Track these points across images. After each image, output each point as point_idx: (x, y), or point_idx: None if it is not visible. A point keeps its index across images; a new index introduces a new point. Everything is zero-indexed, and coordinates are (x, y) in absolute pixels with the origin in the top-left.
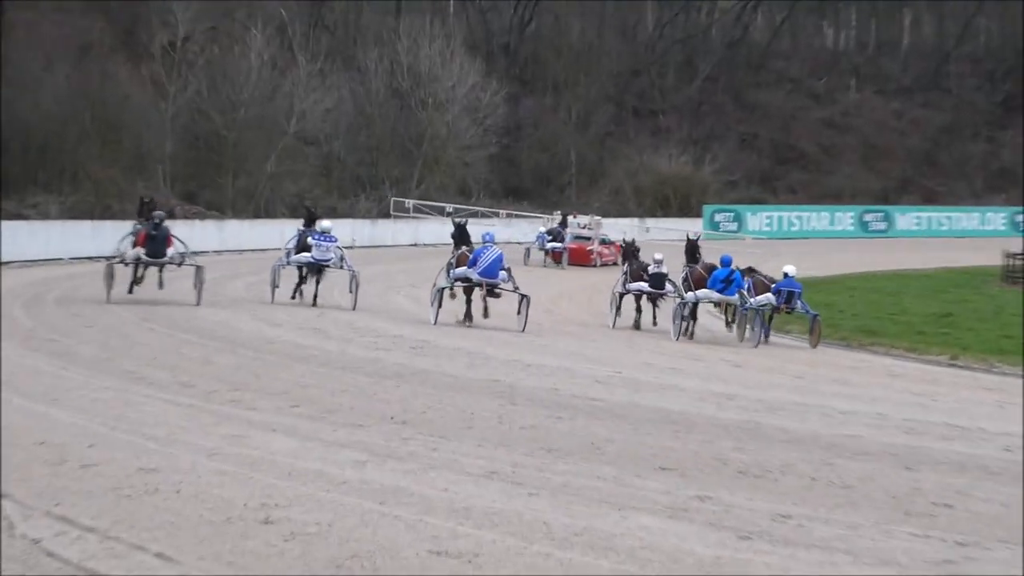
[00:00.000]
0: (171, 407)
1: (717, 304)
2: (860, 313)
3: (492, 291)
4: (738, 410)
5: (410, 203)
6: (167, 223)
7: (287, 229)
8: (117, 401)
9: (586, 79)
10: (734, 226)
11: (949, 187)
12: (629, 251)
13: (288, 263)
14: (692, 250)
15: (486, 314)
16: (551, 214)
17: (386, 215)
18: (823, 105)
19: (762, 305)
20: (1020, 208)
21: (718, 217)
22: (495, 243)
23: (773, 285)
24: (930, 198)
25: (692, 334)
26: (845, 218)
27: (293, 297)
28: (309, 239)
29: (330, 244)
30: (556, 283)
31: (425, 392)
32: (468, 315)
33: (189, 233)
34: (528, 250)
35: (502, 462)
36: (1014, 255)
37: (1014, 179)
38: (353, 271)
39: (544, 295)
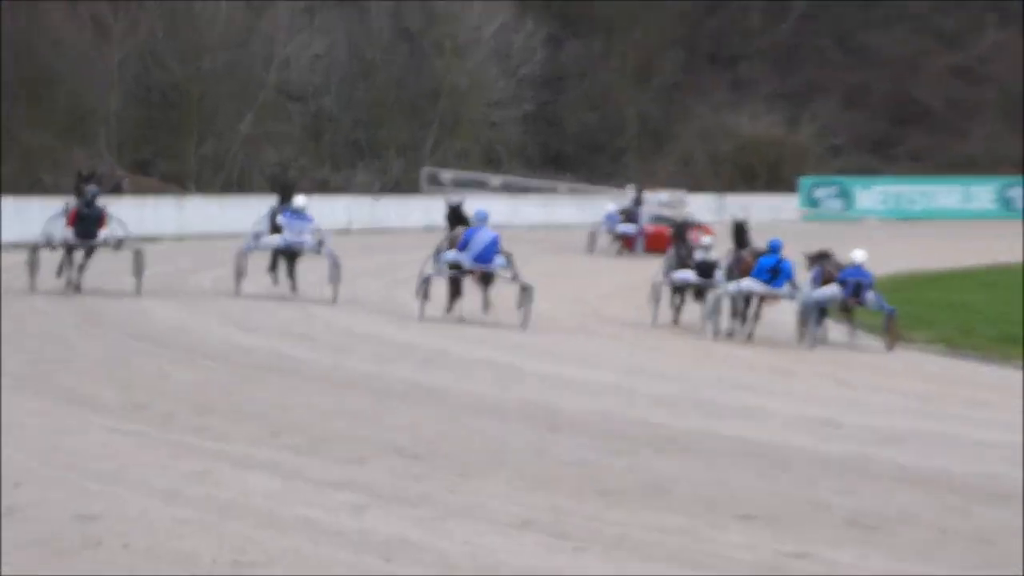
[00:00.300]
0: (117, 436)
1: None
2: (1001, 316)
3: (486, 279)
4: (843, 440)
5: (447, 175)
6: (101, 200)
7: (266, 207)
8: (49, 428)
9: (647, 17)
10: (838, 204)
11: None
12: (679, 233)
13: (256, 247)
14: (740, 233)
15: (486, 308)
16: (622, 188)
17: (401, 189)
18: (954, 49)
19: (825, 298)
20: None
21: (818, 192)
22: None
23: (839, 274)
24: None
25: (751, 335)
26: (982, 193)
27: (272, 269)
28: (280, 218)
29: (305, 225)
30: (620, 275)
31: (441, 416)
32: (452, 305)
33: (139, 215)
34: (593, 234)
35: (540, 508)
36: None
37: None
38: (333, 257)
39: (597, 290)
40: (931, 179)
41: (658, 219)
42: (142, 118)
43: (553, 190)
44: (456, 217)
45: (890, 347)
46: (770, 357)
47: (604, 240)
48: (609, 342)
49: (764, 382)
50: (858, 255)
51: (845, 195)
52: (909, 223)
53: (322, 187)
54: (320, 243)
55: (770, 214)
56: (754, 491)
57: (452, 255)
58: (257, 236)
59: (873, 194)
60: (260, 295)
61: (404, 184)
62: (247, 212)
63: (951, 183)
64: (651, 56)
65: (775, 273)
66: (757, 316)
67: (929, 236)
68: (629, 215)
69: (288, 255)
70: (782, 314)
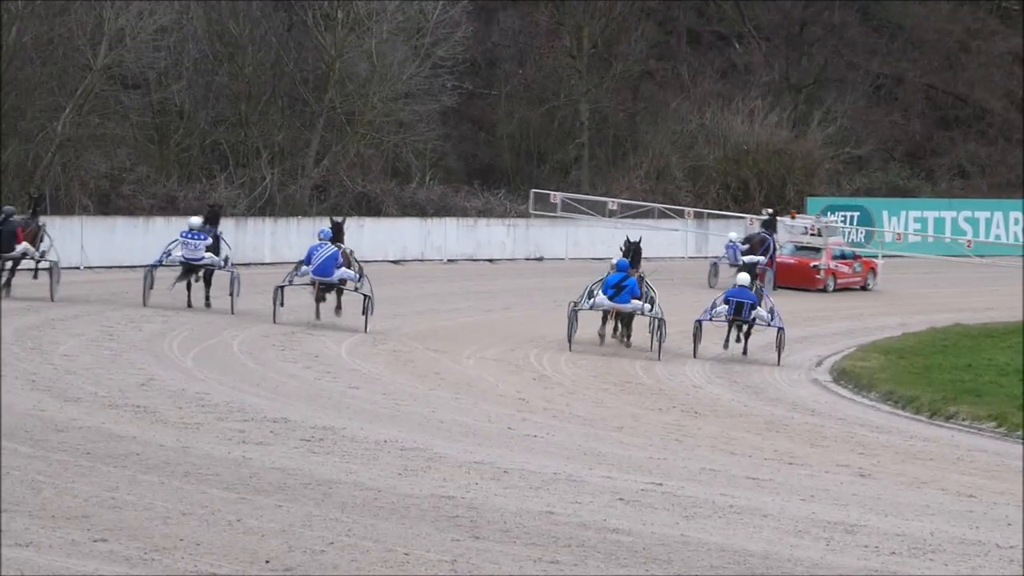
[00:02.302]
0: None
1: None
2: None
3: (328, 289)
4: (861, 551)
5: (558, 197)
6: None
7: (91, 229)
8: None
9: None
10: (859, 233)
11: None
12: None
13: (160, 263)
14: (634, 254)
15: (338, 311)
16: (760, 214)
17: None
18: (1016, 25)
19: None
20: None
21: (834, 217)
22: (331, 241)
23: (723, 294)
24: None
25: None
26: None
27: (176, 283)
28: (178, 236)
29: (200, 242)
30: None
31: (326, 518)
32: (316, 313)
33: None
34: (715, 265)
35: None
36: None
37: None
38: (232, 271)
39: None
40: (986, 202)
41: (802, 249)
42: None
43: (680, 215)
44: (337, 233)
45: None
46: (774, 439)
47: (727, 273)
48: (554, 416)
49: (760, 469)
50: (741, 278)
51: (868, 221)
52: (948, 261)
53: (168, 206)
54: (227, 260)
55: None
56: None
57: (304, 269)
58: (167, 255)
59: (906, 220)
60: (93, 347)
61: (282, 203)
62: (67, 235)
63: (1012, 207)
64: (613, 33)
65: (619, 289)
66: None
67: (976, 280)
68: (757, 244)
69: (188, 270)
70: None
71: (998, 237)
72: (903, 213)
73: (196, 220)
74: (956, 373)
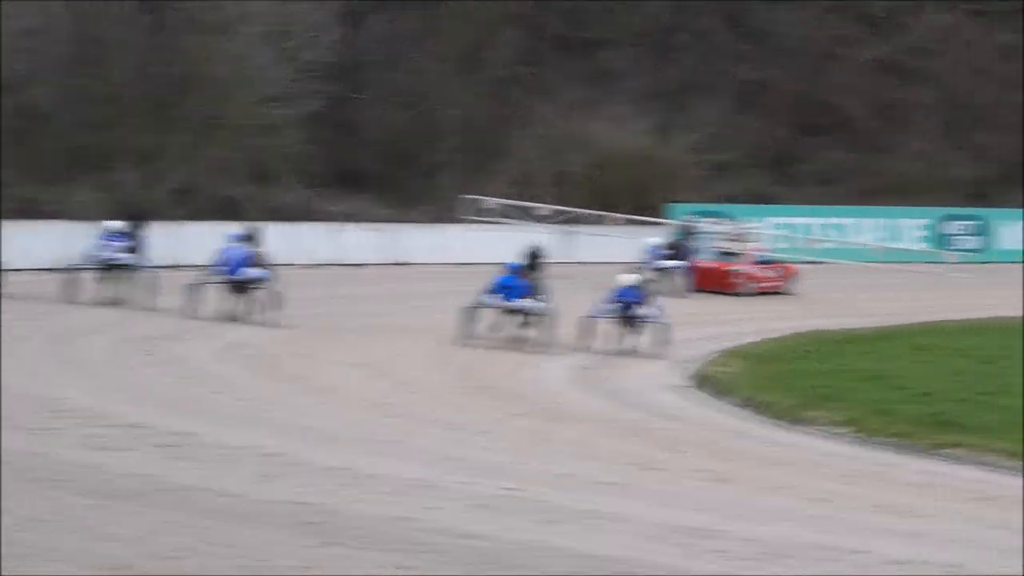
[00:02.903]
0: None
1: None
2: (934, 392)
3: (238, 288)
4: (718, 557)
5: (494, 202)
6: None
7: None
8: None
9: None
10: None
11: None
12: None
13: (85, 264)
14: (533, 258)
15: (247, 310)
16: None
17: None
18: (882, 35)
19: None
20: None
21: (693, 226)
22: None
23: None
24: None
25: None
26: (913, 228)
27: (99, 281)
28: (99, 238)
29: (116, 242)
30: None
31: (183, 524)
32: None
33: None
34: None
35: None
36: None
37: None
38: (152, 273)
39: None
40: (847, 210)
41: (725, 255)
42: None
43: (600, 221)
44: (252, 238)
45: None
46: (634, 444)
47: (648, 276)
48: (415, 421)
49: (619, 474)
50: (626, 279)
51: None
52: (812, 267)
53: (30, 208)
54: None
55: (632, 252)
56: None
57: (216, 269)
58: (90, 253)
59: (770, 227)
60: None
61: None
62: None
63: (873, 215)
64: (482, 39)
65: (508, 288)
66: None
67: (839, 285)
68: (677, 250)
69: (106, 268)
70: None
71: (864, 243)
72: (767, 219)
73: (116, 224)
74: (815, 379)
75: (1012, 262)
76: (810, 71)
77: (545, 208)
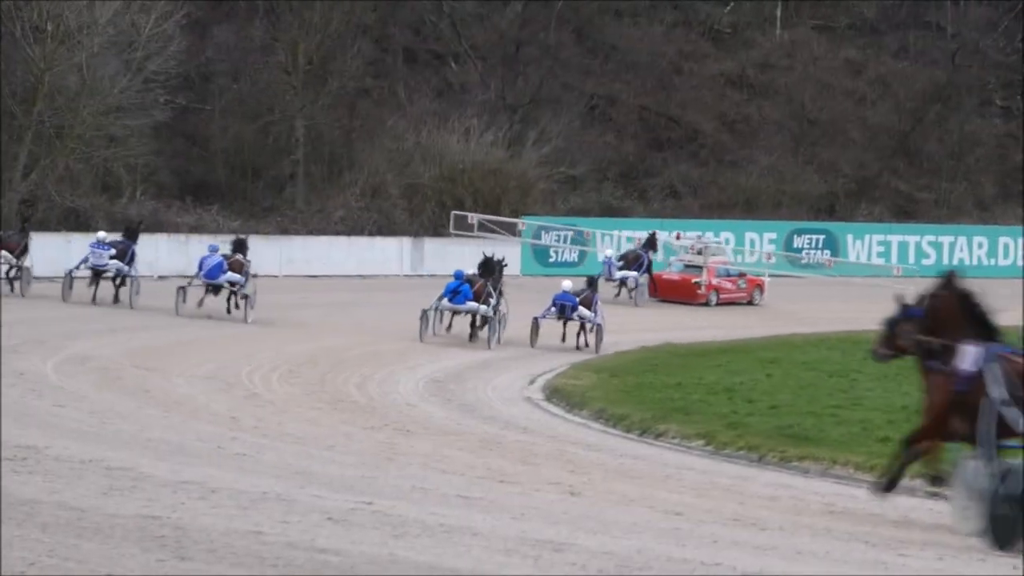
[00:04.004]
0: None
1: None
2: (782, 404)
3: (216, 291)
4: (570, 569)
5: (475, 218)
6: None
7: None
8: None
9: None
10: (573, 254)
11: (938, 192)
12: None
13: (79, 268)
14: (486, 266)
15: (229, 310)
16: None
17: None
18: (728, 49)
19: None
20: None
21: (547, 237)
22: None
23: (554, 296)
24: (906, 210)
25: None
26: (762, 240)
27: (90, 285)
28: (88, 247)
29: (104, 251)
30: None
31: (27, 539)
32: (201, 302)
33: None
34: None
35: None
36: None
37: None
38: (134, 277)
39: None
40: (696, 222)
41: (688, 267)
42: None
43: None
44: (239, 248)
45: (597, 351)
46: (487, 458)
47: (604, 286)
48: (264, 435)
49: (471, 487)
50: (566, 284)
51: (582, 240)
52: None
53: None
54: (128, 266)
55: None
56: None
57: (196, 274)
58: (85, 260)
59: (619, 240)
60: None
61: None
62: None
63: (722, 227)
64: (329, 50)
65: (455, 293)
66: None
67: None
68: (633, 260)
69: (96, 273)
70: None
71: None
72: (616, 232)
73: (102, 234)
74: (666, 392)
75: (865, 276)
76: (658, 86)
77: (522, 223)
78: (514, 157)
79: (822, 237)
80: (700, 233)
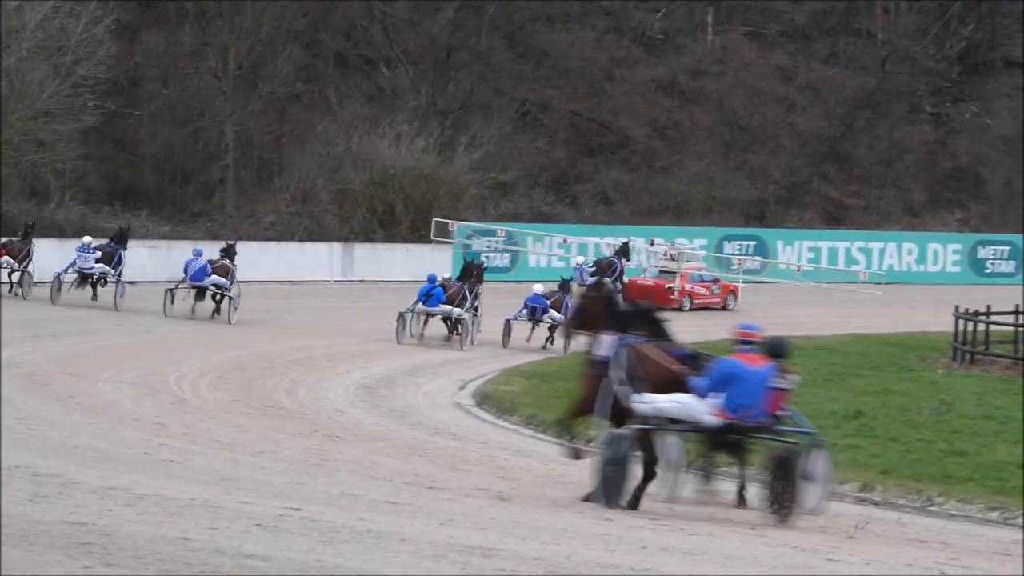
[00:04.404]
0: None
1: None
2: None
3: (200, 293)
4: (500, 574)
5: (454, 225)
6: None
7: None
8: None
9: (254, 1)
10: (504, 259)
11: (868, 198)
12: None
13: (67, 271)
14: (466, 270)
15: (216, 313)
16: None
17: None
18: (659, 55)
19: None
20: (992, 236)
21: (477, 244)
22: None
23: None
24: (836, 216)
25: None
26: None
27: (79, 286)
28: (75, 251)
29: (90, 255)
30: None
31: None
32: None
33: None
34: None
35: None
36: (973, 315)
37: (978, 185)
38: (120, 280)
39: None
40: (624, 229)
41: (663, 273)
42: None
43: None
44: (228, 253)
45: (565, 349)
46: (416, 464)
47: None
48: (192, 441)
49: (400, 493)
50: (536, 288)
51: (513, 245)
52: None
53: None
54: (115, 270)
55: (416, 269)
56: None
57: (183, 277)
58: (72, 264)
59: (549, 245)
60: None
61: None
62: None
63: (649, 234)
64: (259, 55)
65: (428, 296)
66: (426, 324)
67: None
68: (606, 268)
69: (83, 276)
70: None
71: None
72: (549, 238)
73: (87, 238)
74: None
75: (794, 280)
76: (590, 92)
77: (500, 231)
78: (445, 163)
79: (752, 243)
80: (675, 242)
